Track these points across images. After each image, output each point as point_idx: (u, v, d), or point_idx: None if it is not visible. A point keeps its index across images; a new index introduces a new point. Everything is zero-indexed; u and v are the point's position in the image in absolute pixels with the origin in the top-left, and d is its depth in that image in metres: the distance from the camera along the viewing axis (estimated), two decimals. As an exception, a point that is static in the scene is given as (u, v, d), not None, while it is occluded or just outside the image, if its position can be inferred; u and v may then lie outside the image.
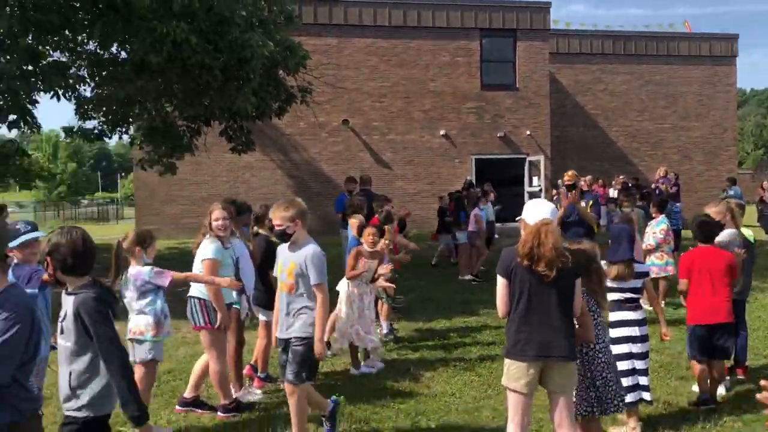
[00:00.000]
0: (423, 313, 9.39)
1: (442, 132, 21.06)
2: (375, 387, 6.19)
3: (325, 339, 7.14)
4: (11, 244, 4.07)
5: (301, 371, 4.55)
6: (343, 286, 6.75)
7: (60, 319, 3.30)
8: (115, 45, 11.50)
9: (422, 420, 5.40)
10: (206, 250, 5.39)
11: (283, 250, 4.72)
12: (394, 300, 8.06)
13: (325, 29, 20.25)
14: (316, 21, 20.08)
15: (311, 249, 4.54)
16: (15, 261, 4.10)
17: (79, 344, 3.21)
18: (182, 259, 5.60)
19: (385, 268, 6.81)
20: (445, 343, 7.86)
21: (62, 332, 3.27)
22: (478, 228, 12.32)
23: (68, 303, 3.25)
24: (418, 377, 6.48)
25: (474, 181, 18.72)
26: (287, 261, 4.61)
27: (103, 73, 12.41)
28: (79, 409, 3.24)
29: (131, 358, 5.01)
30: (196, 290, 5.44)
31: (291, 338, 4.60)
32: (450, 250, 14.23)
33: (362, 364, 6.72)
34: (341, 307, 6.69)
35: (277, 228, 4.58)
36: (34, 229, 4.35)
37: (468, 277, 12.26)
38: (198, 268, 5.41)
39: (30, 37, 10.45)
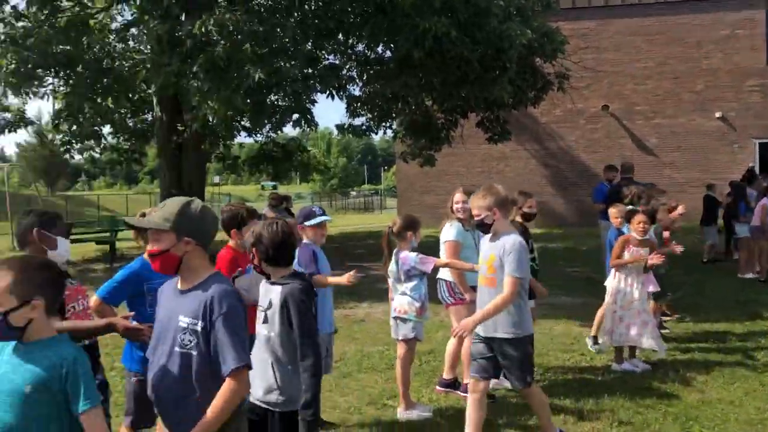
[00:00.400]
0: (694, 311, 8.58)
1: (717, 114, 19.02)
2: (639, 386, 5.80)
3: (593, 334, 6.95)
4: (309, 222, 4.62)
5: (525, 375, 4.29)
6: (611, 279, 6.44)
7: (263, 308, 3.28)
8: (381, 44, 12.35)
9: (694, 427, 4.94)
10: (448, 232, 5.52)
11: (484, 241, 4.45)
12: (664, 297, 7.45)
13: (585, 12, 19.48)
14: (574, 5, 19.42)
15: (511, 239, 4.16)
16: (304, 239, 4.63)
17: (283, 335, 3.17)
18: (439, 246, 5.80)
19: (658, 257, 6.24)
20: (720, 345, 7.09)
21: (265, 320, 3.25)
22: (762, 222, 10.88)
23: (273, 292, 3.23)
24: (689, 380, 5.94)
25: (757, 169, 16.61)
26: (487, 253, 4.31)
27: (370, 72, 13.40)
28: (277, 403, 3.19)
29: (393, 336, 5.34)
30: (444, 272, 5.60)
31: (497, 339, 4.28)
32: (714, 244, 12.81)
33: (626, 361, 6.35)
34: (607, 299, 6.41)
35: (475, 218, 4.31)
36: (324, 213, 4.86)
37: (750, 275, 10.92)
38: (442, 250, 5.57)
39: (310, 43, 11.67)
